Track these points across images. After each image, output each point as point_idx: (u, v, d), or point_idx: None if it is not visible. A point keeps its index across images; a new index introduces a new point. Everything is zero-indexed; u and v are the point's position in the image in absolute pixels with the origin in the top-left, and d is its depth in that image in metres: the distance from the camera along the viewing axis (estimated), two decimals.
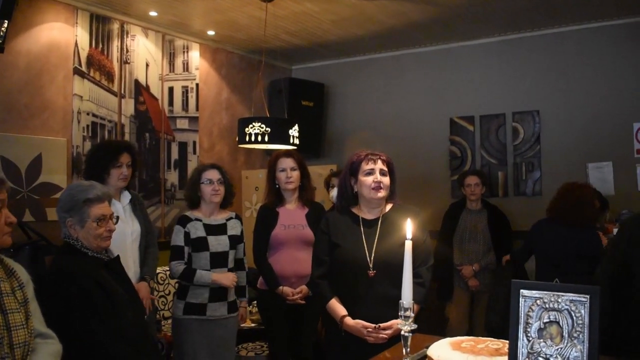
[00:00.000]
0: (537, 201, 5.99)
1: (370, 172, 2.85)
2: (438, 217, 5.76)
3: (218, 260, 3.78)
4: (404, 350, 1.79)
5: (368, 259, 2.78)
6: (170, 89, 6.04)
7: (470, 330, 5.33)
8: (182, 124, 6.15)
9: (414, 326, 1.79)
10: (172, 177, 5.97)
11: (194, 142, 6.25)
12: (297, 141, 5.10)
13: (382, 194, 2.85)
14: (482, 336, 1.99)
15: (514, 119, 6.32)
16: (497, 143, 6.40)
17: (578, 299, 1.51)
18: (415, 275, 2.73)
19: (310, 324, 4.03)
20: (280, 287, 3.90)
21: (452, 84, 6.67)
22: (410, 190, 6.43)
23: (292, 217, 4.03)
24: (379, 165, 2.87)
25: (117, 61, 5.50)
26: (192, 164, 6.10)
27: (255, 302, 4.67)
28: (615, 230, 4.46)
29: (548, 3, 5.42)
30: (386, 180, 2.87)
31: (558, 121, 6.08)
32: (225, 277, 3.74)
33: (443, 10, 5.55)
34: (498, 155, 6.39)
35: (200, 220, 3.83)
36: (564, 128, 5.96)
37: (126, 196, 3.78)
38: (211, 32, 6.17)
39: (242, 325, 4.48)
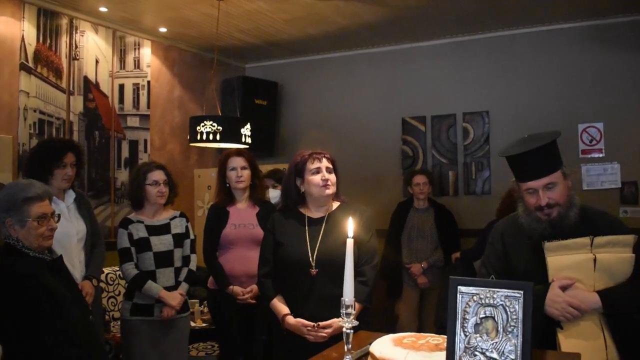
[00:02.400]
0: (486, 200, 6.11)
1: (317, 171, 2.87)
2: (390, 216, 5.83)
3: (162, 260, 3.75)
4: (345, 347, 1.81)
5: (310, 257, 2.79)
6: (121, 86, 5.95)
7: (420, 328, 5.41)
8: (133, 122, 6.07)
9: (355, 323, 1.81)
10: (123, 175, 5.88)
11: (145, 141, 6.17)
12: (249, 140, 5.09)
13: (330, 190, 2.87)
14: (432, 333, 2.02)
15: (464, 119, 6.44)
16: (447, 143, 6.50)
17: (512, 294, 1.55)
18: (359, 273, 2.77)
19: (260, 323, 4.02)
20: (231, 287, 3.89)
21: (404, 85, 6.75)
22: (363, 189, 6.50)
23: (242, 216, 4.02)
24: (325, 163, 2.90)
25: (66, 57, 5.39)
26: None
27: (205, 301, 4.65)
28: None
29: (498, 6, 5.53)
30: (333, 177, 2.90)
31: (507, 122, 6.21)
32: (173, 298, 3.70)
33: (395, 11, 5.61)
34: (449, 155, 6.49)
35: (142, 222, 3.79)
36: (512, 128, 6.07)
37: (70, 195, 3.71)
38: (163, 29, 6.10)
39: (192, 324, 4.46)
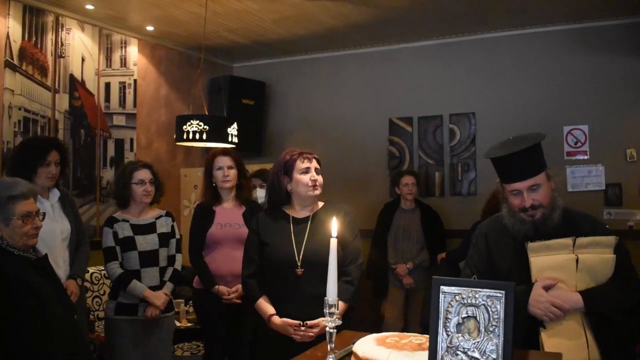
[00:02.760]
0: (472, 201, 6.15)
1: (307, 171, 2.87)
2: (376, 216, 5.85)
3: (147, 259, 3.74)
4: (328, 347, 1.81)
5: (296, 257, 2.79)
6: (107, 85, 5.93)
7: (406, 328, 5.43)
8: (119, 120, 6.04)
9: (339, 322, 1.82)
10: (108, 174, 5.85)
11: (132, 139, 6.15)
12: (235, 139, 5.08)
13: (318, 191, 2.88)
14: (418, 333, 2.03)
15: (450, 120, 6.46)
16: (434, 144, 6.53)
17: (494, 294, 1.56)
18: (344, 273, 2.77)
19: (246, 323, 4.02)
20: (216, 287, 3.88)
21: (391, 85, 6.77)
22: (349, 189, 6.51)
23: (228, 215, 4.01)
24: (314, 164, 2.90)
25: (51, 55, 5.36)
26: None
27: (191, 301, 4.64)
28: None
29: (485, 9, 5.57)
30: (321, 178, 2.90)
31: (493, 123, 6.24)
32: (157, 297, 3.69)
33: (383, 12, 5.62)
34: (435, 156, 6.52)
35: (128, 221, 3.78)
36: (498, 130, 6.09)
37: (55, 194, 3.69)
38: (150, 28, 6.08)
39: (177, 324, 4.45)
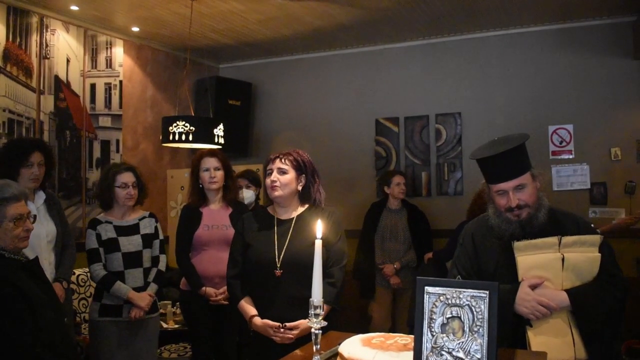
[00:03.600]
0: (458, 201, 6.17)
1: (270, 173, 2.88)
2: (363, 216, 5.85)
3: (131, 261, 3.73)
4: (314, 348, 1.81)
5: (276, 259, 2.79)
6: (93, 86, 5.89)
7: (393, 328, 5.44)
8: (105, 121, 6.00)
9: (324, 324, 1.82)
10: (94, 176, 5.81)
11: (117, 141, 6.11)
12: (222, 140, 5.07)
13: (277, 192, 2.85)
14: (405, 333, 2.03)
15: (437, 120, 6.48)
16: (420, 144, 6.55)
17: (478, 294, 1.57)
18: (328, 275, 2.77)
19: (233, 324, 4.01)
20: (203, 288, 3.87)
21: (378, 86, 6.78)
22: (336, 189, 6.51)
23: (215, 217, 4.00)
24: (277, 164, 2.87)
25: (36, 56, 5.32)
26: None
27: (178, 303, 4.62)
28: None
29: (470, 8, 5.59)
30: (284, 178, 2.85)
31: (479, 123, 6.28)
32: (141, 299, 3.68)
33: (369, 12, 5.63)
34: (421, 156, 6.54)
35: (111, 223, 3.77)
36: (484, 130, 6.14)
37: (40, 196, 3.67)
38: (135, 29, 6.05)
39: (164, 326, 4.43)
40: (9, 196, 2.60)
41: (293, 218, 2.90)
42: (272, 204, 2.99)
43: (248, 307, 2.83)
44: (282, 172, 2.86)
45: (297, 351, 2.09)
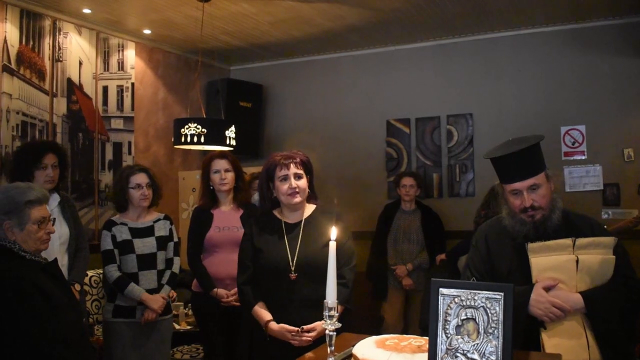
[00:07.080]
0: (470, 202, 6.14)
1: (285, 178, 2.83)
2: (374, 218, 5.85)
3: (145, 262, 3.75)
4: (328, 350, 1.81)
5: (290, 262, 2.78)
6: (105, 88, 5.92)
7: (406, 329, 5.43)
8: (117, 124, 6.03)
9: (338, 325, 1.82)
10: (107, 178, 5.85)
11: (129, 143, 6.14)
12: (233, 142, 5.08)
13: (298, 199, 2.83)
14: (417, 334, 2.03)
15: (448, 121, 6.47)
16: (432, 145, 6.53)
17: (493, 296, 1.57)
18: (339, 276, 2.75)
19: (245, 326, 4.01)
20: (215, 290, 3.88)
21: (389, 87, 6.77)
22: (347, 191, 6.52)
23: (226, 219, 4.01)
24: (292, 169, 2.83)
25: (49, 59, 5.35)
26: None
27: (190, 304, 4.63)
28: None
29: (481, 10, 5.57)
30: (302, 183, 2.84)
31: (490, 124, 6.25)
32: (155, 301, 3.70)
33: (380, 14, 5.62)
34: (433, 157, 6.52)
35: (126, 225, 3.78)
36: (496, 131, 6.11)
37: (55, 198, 3.69)
38: (147, 31, 6.08)
39: (177, 327, 4.43)
40: (33, 199, 2.62)
41: (301, 221, 2.89)
42: (278, 207, 2.97)
43: (263, 312, 2.80)
44: (299, 177, 2.84)
45: (311, 353, 2.09)
